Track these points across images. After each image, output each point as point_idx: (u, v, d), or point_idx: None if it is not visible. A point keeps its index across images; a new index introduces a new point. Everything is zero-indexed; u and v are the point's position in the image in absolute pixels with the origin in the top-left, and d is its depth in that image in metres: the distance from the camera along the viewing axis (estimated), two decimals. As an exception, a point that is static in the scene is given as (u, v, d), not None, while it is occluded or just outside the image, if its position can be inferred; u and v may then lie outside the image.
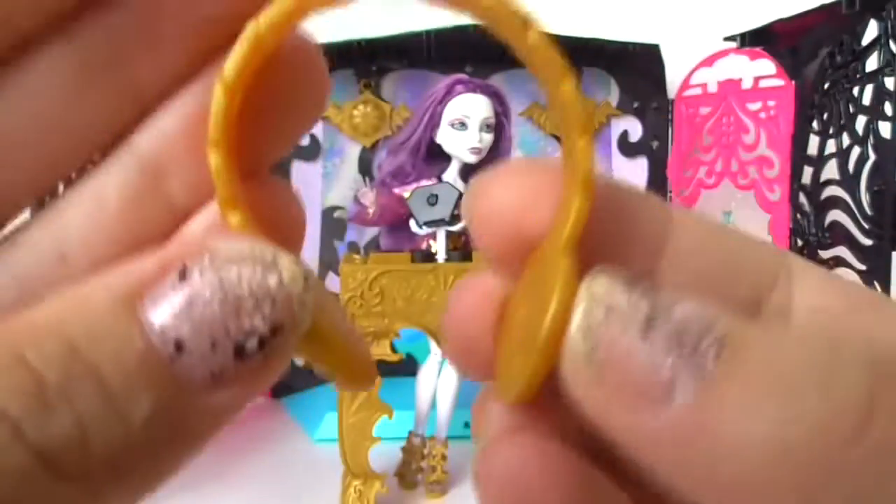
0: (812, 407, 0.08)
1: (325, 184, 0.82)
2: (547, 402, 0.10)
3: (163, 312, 0.09)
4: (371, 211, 0.61)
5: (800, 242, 0.65)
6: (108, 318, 0.09)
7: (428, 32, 0.67)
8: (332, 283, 0.83)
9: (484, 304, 0.12)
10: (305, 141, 0.81)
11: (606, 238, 0.11)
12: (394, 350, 0.51)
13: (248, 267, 0.09)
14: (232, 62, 0.10)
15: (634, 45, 0.71)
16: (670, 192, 0.81)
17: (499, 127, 0.60)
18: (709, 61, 0.74)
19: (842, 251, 0.59)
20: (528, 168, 0.11)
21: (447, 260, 0.53)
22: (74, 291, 0.09)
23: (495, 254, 0.11)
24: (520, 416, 0.11)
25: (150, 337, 0.09)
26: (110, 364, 0.09)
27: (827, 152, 0.61)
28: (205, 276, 0.09)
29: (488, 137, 0.58)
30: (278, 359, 0.10)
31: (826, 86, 0.61)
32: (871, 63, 0.54)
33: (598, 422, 0.10)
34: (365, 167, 0.79)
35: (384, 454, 0.56)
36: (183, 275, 0.09)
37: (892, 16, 0.51)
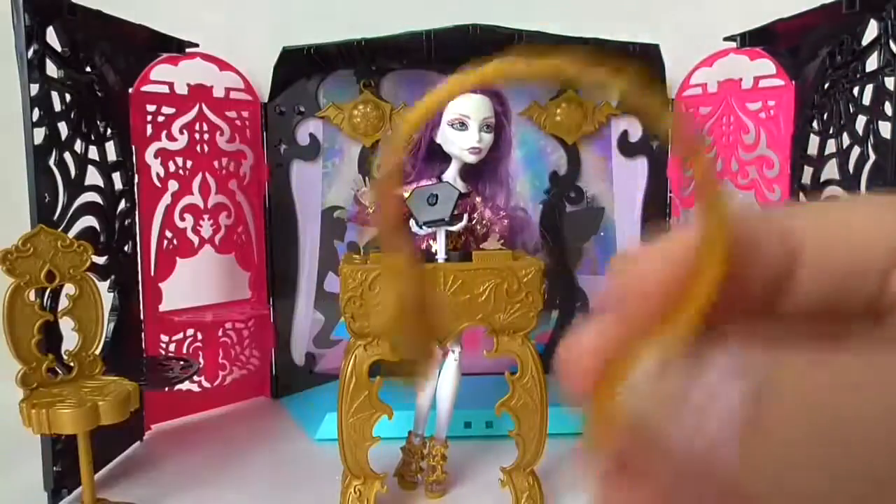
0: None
1: (325, 184, 0.82)
2: None
3: None
4: (371, 211, 0.61)
5: (800, 242, 0.65)
6: None
7: (428, 32, 0.67)
8: (332, 283, 0.83)
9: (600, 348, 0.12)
10: (305, 141, 0.81)
11: (735, 274, 0.11)
12: (394, 350, 0.51)
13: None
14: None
15: (634, 45, 0.71)
16: (670, 192, 0.81)
17: (499, 127, 0.60)
18: (709, 61, 0.74)
19: (842, 251, 0.58)
20: (679, 244, 0.11)
21: (447, 260, 0.53)
22: None
23: (635, 312, 0.11)
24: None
25: None
26: None
27: (827, 152, 0.61)
28: None
29: (488, 137, 0.58)
30: None
31: (826, 86, 0.61)
32: (871, 63, 0.54)
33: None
34: (365, 167, 0.79)
35: (384, 454, 0.56)
36: None
37: (892, 16, 0.51)
